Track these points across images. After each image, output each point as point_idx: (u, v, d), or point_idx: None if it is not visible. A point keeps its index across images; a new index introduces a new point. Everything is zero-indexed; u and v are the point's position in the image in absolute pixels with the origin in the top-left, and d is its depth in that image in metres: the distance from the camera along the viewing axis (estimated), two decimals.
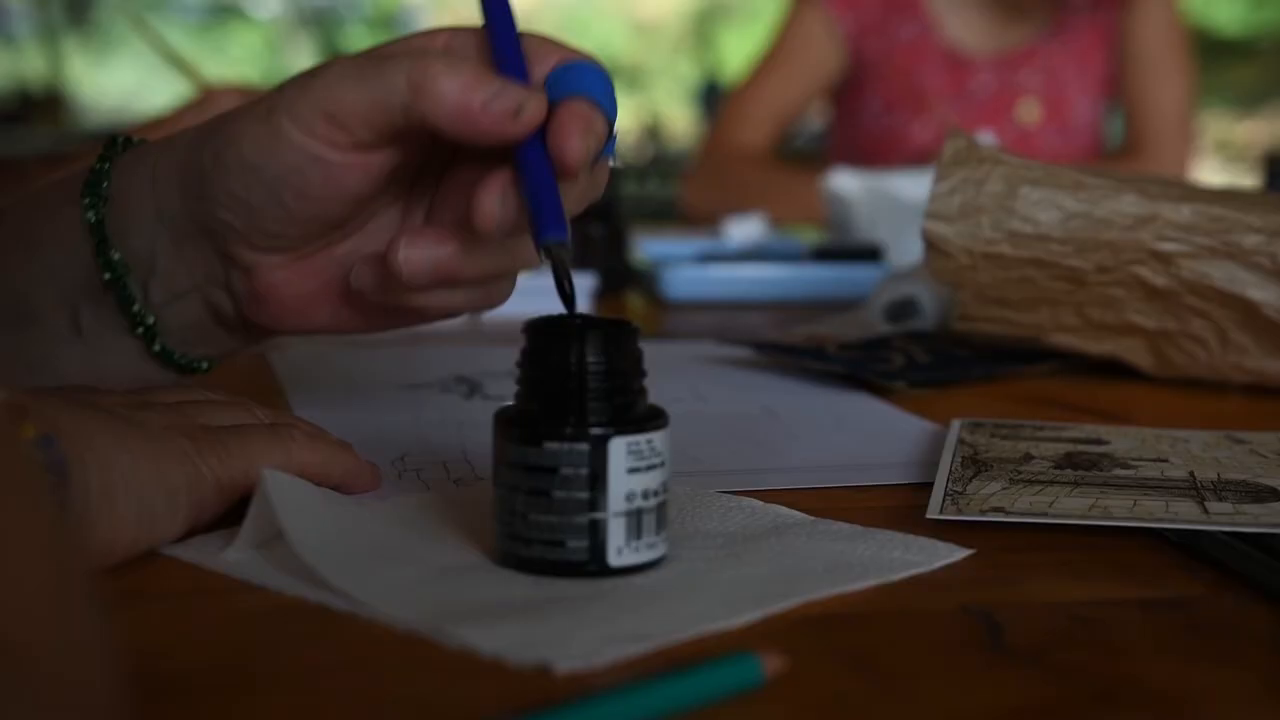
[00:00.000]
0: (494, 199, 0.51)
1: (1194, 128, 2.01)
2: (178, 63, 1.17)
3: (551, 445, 0.46)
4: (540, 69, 0.54)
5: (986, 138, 1.38)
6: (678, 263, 1.17)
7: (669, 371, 0.84)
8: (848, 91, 1.99)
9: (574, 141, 0.51)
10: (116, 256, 0.57)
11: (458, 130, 0.52)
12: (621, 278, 1.15)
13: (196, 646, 0.41)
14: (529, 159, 0.52)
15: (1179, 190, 0.77)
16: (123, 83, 8.62)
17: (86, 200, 0.57)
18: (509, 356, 0.50)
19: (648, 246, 1.28)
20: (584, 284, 1.08)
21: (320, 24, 10.96)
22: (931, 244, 0.77)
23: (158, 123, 1.02)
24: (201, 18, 10.68)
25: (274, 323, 0.58)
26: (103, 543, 0.46)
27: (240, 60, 9.81)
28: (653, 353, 0.92)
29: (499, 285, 0.58)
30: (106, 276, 0.57)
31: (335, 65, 0.53)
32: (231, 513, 0.50)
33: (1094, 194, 0.75)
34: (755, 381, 0.81)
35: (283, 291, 0.57)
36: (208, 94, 1.05)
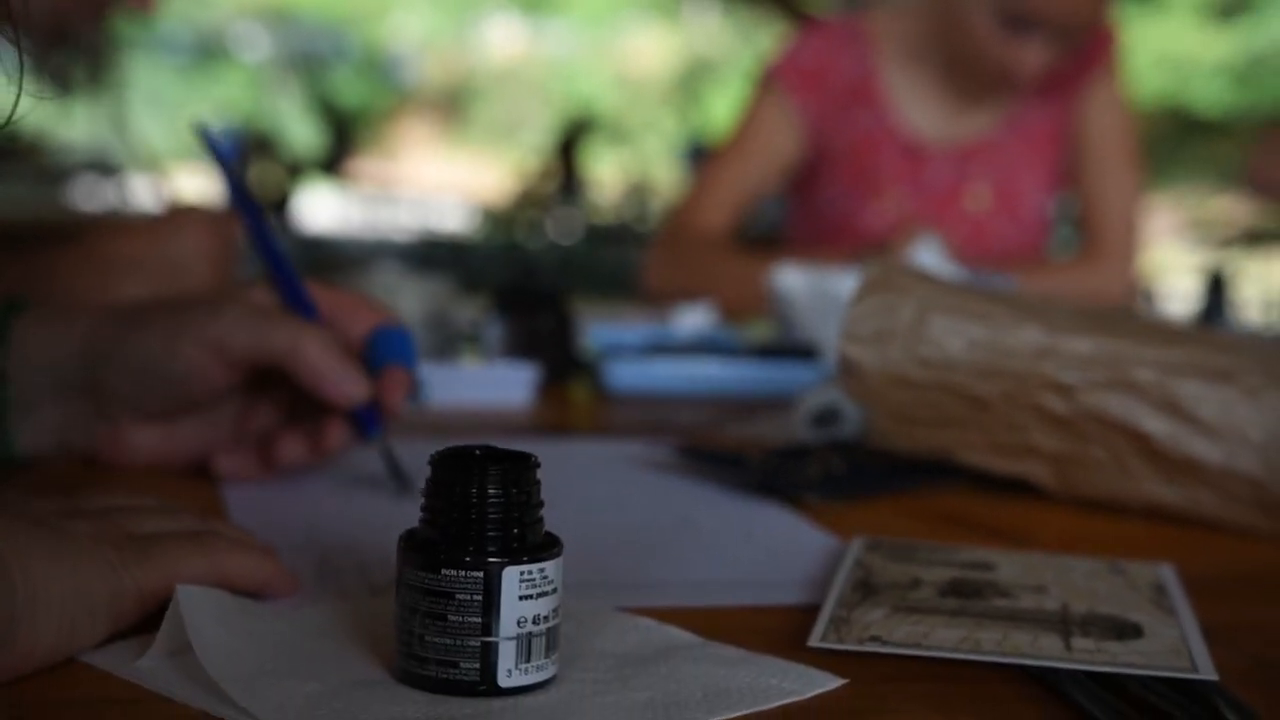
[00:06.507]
0: (339, 432, 0.78)
1: (1140, 224, 2.06)
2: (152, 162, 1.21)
3: (448, 572, 0.50)
4: (355, 326, 0.80)
5: (929, 240, 1.42)
6: (622, 355, 1.21)
7: (595, 475, 0.87)
8: (806, 176, 2.04)
9: (397, 401, 0.78)
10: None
11: (308, 388, 0.75)
12: (566, 368, 1.19)
13: None
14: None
15: (1083, 320, 0.81)
16: (100, 124, 8.65)
17: None
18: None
19: (596, 333, 1.31)
20: (527, 375, 1.12)
21: (308, 68, 11.03)
22: (847, 365, 0.80)
23: (126, 230, 1.07)
24: (190, 58, 10.73)
25: (116, 462, 0.79)
26: (22, 650, 0.49)
27: (226, 103, 9.87)
28: (585, 453, 0.95)
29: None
30: None
31: (236, 309, 0.75)
32: (152, 618, 0.53)
33: (999, 324, 0.79)
34: (677, 487, 0.85)
35: (135, 439, 0.78)
36: (178, 213, 1.09)
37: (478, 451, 0.53)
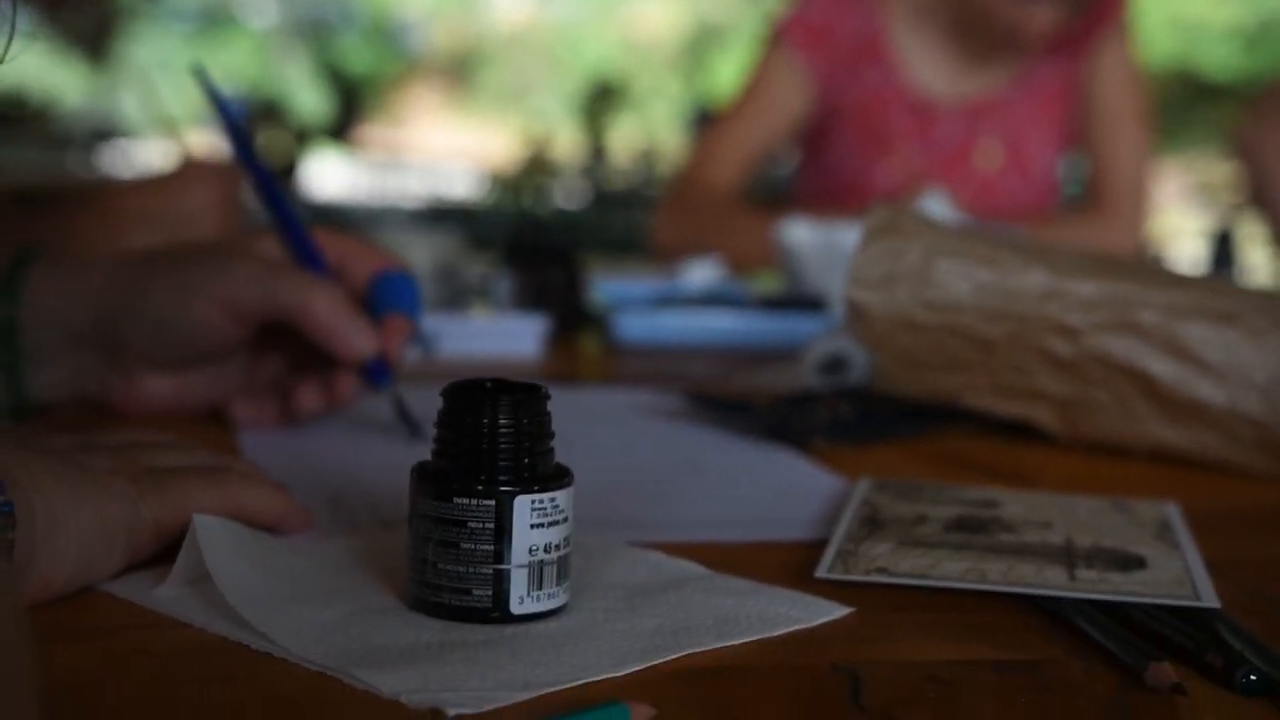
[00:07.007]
0: (349, 383, 0.79)
1: (1150, 183, 2.06)
2: (168, 125, 1.22)
3: (461, 500, 0.50)
4: (360, 272, 0.80)
5: (938, 195, 1.43)
6: (631, 307, 1.21)
7: (605, 422, 0.88)
8: (815, 134, 2.04)
9: (397, 350, 0.80)
10: (17, 344, 0.74)
11: (317, 343, 0.77)
12: (576, 320, 1.20)
13: (125, 680, 0.45)
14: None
15: (1088, 265, 0.81)
16: (107, 89, 8.64)
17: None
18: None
19: (605, 287, 1.32)
20: (536, 326, 1.12)
21: (315, 35, 11.00)
22: (854, 309, 0.81)
23: (136, 185, 1.08)
24: (196, 25, 10.70)
25: (130, 411, 0.80)
26: (42, 579, 0.50)
27: (233, 69, 9.84)
28: (594, 400, 0.96)
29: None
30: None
31: (246, 265, 0.77)
32: (167, 551, 0.54)
33: (1005, 267, 0.79)
34: (686, 433, 0.85)
35: (148, 388, 0.80)
36: (186, 167, 1.10)
37: (489, 384, 0.53)
